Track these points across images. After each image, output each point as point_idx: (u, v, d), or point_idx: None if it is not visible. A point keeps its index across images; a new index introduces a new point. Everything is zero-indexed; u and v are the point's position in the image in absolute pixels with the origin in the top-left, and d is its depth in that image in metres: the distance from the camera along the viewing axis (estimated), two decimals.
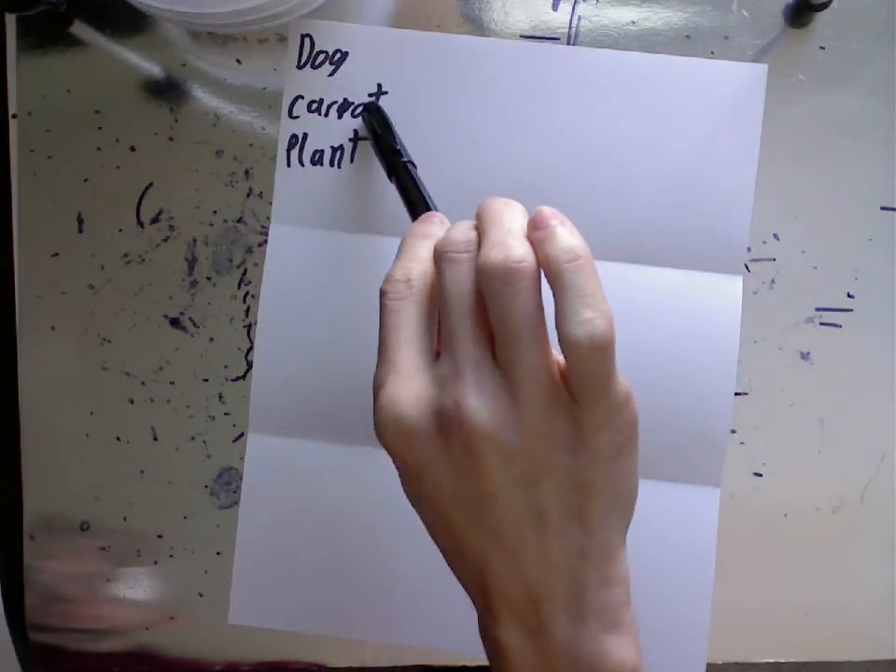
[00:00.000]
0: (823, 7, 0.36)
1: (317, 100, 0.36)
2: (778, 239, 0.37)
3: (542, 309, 0.24)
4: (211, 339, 0.37)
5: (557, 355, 0.24)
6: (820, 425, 0.37)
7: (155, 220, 0.37)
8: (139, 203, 0.37)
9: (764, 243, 0.37)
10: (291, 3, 0.33)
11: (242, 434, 0.37)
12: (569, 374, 0.24)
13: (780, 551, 0.37)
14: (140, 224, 0.37)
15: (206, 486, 0.37)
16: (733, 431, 0.37)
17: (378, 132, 0.34)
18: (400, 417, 0.24)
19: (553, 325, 0.24)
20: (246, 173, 0.37)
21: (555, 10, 0.37)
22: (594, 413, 0.24)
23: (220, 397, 0.37)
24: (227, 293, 0.37)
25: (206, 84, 0.37)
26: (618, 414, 0.24)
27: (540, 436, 0.24)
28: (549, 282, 0.24)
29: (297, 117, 0.36)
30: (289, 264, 0.36)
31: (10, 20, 0.36)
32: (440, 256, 0.25)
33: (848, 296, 0.37)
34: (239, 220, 0.37)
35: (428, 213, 0.30)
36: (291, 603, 0.36)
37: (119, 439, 0.37)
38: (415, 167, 0.33)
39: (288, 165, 0.36)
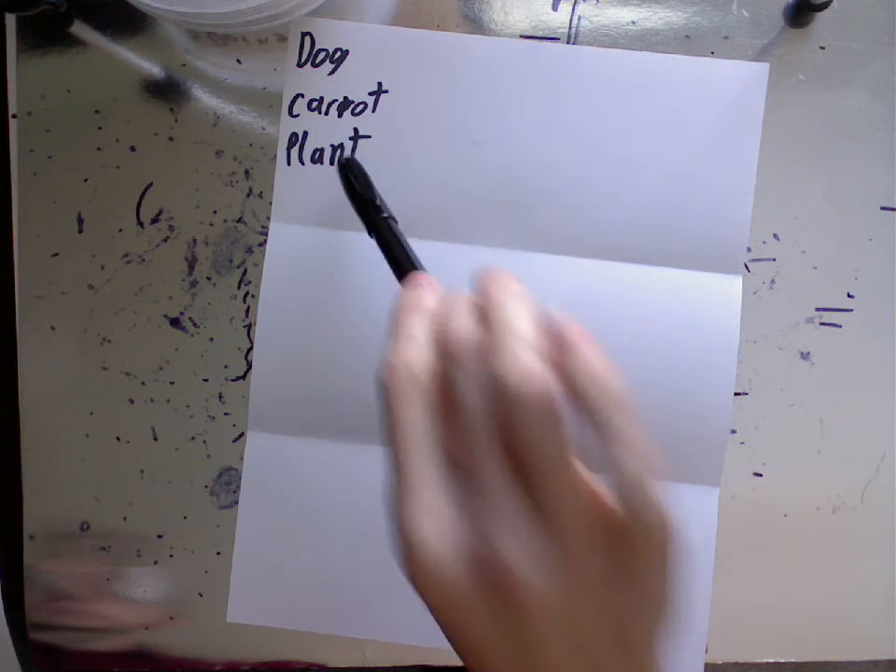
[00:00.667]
0: (823, 6, 0.36)
1: (318, 98, 0.36)
2: (778, 239, 0.37)
3: (566, 426, 0.22)
4: (211, 339, 0.37)
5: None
6: (820, 425, 0.37)
7: (155, 220, 0.37)
8: (139, 203, 0.37)
9: (764, 243, 0.37)
10: (291, 3, 0.33)
11: (242, 434, 0.37)
12: (622, 523, 0.22)
13: (780, 551, 0.37)
14: (140, 224, 0.37)
15: (206, 486, 0.37)
16: (733, 431, 0.37)
17: (356, 188, 0.33)
18: (434, 567, 0.22)
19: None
20: (246, 173, 0.37)
21: (555, 10, 0.37)
22: (647, 559, 0.23)
23: (220, 397, 0.37)
24: (227, 293, 0.37)
25: (206, 84, 0.37)
26: (669, 553, 0.23)
27: (590, 585, 0.22)
28: (581, 414, 0.23)
29: (297, 115, 0.36)
30: (289, 263, 0.36)
31: (10, 20, 0.36)
32: (445, 354, 0.24)
33: (848, 296, 0.37)
34: (239, 220, 0.37)
35: (415, 276, 0.29)
36: (290, 601, 0.36)
37: (118, 439, 0.37)
38: (396, 222, 0.32)
39: (288, 164, 0.36)
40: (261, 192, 0.37)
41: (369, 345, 0.36)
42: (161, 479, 0.37)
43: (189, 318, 0.37)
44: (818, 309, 0.37)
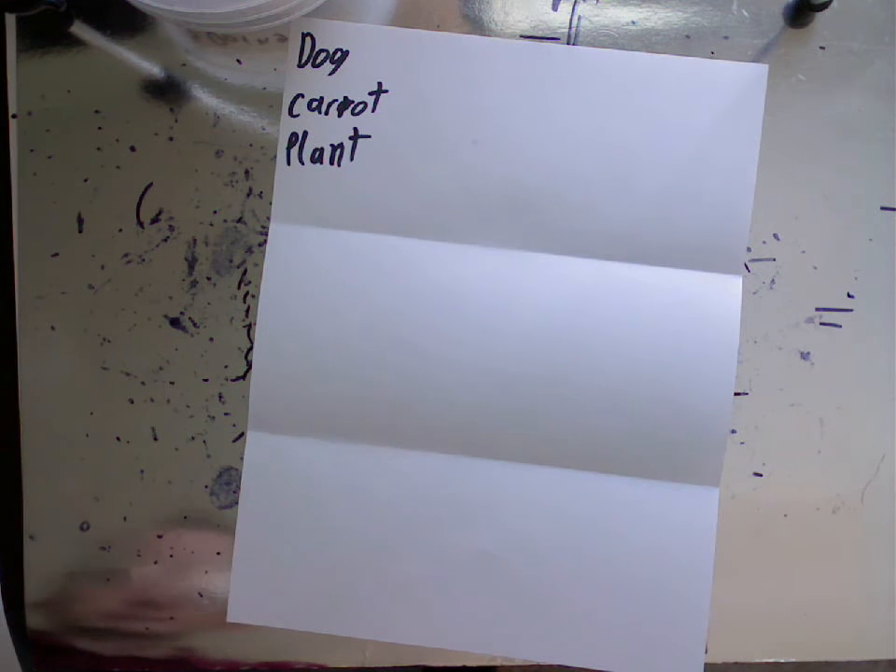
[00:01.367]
0: (823, 6, 0.36)
1: (318, 98, 0.36)
2: (778, 239, 0.37)
3: None
4: (211, 339, 0.37)
5: None
6: (820, 425, 0.37)
7: (155, 220, 0.37)
8: (139, 203, 0.37)
9: (764, 243, 0.37)
10: (291, 3, 0.33)
11: (242, 434, 0.37)
12: None
13: (780, 551, 0.37)
14: (140, 224, 0.37)
15: (206, 486, 0.37)
16: (733, 431, 0.37)
17: None
18: None
19: None
20: (246, 173, 0.37)
21: (555, 10, 0.37)
22: None
23: (220, 397, 0.37)
24: (227, 293, 0.37)
25: (206, 84, 0.37)
26: None
27: None
28: None
29: (297, 115, 0.36)
30: (289, 263, 0.36)
31: (10, 20, 0.36)
32: None
33: (848, 296, 0.37)
34: (239, 220, 0.37)
35: None
36: (290, 601, 0.36)
37: (118, 439, 0.37)
38: None
39: (288, 163, 0.36)
40: (261, 192, 0.37)
41: (369, 345, 0.36)
42: (160, 479, 0.37)
43: (189, 318, 0.37)
44: (818, 309, 0.37)
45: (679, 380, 0.36)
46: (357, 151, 0.36)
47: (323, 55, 0.36)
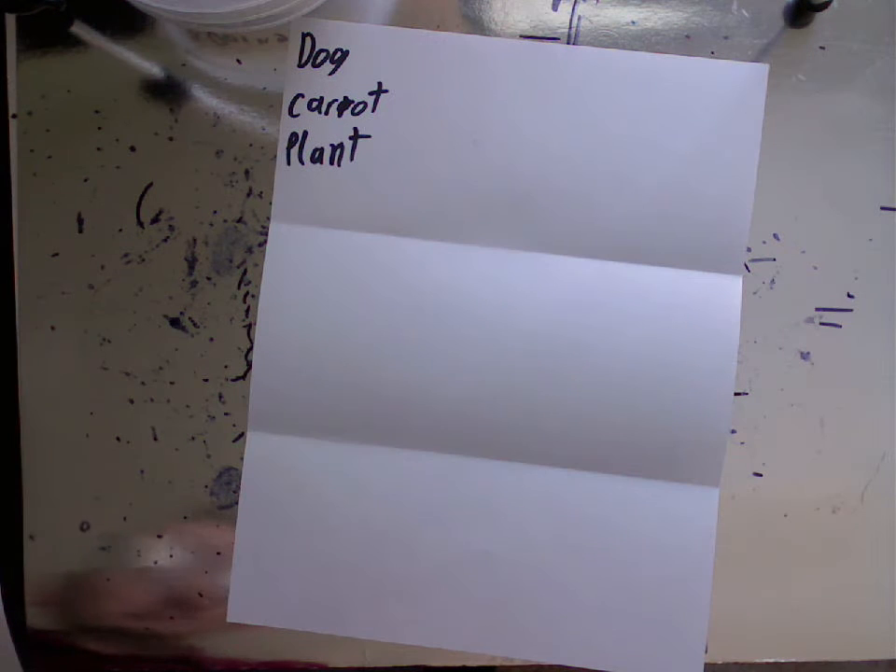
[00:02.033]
0: (823, 7, 0.36)
1: (318, 98, 0.36)
2: (778, 239, 0.37)
3: None
4: (211, 339, 0.37)
5: None
6: (820, 425, 0.37)
7: (155, 220, 0.37)
8: (139, 203, 0.37)
9: (764, 243, 0.37)
10: (291, 3, 0.33)
11: (242, 434, 0.37)
12: None
13: (780, 551, 0.37)
14: (140, 224, 0.37)
15: (206, 486, 0.37)
16: (733, 431, 0.37)
17: None
18: None
19: None
20: (246, 173, 0.37)
21: (555, 10, 0.37)
22: None
23: (220, 397, 0.37)
24: (227, 293, 0.37)
25: (206, 84, 0.37)
26: None
27: None
28: None
29: (297, 115, 0.36)
30: (289, 263, 0.36)
31: (10, 20, 0.36)
32: None
33: (848, 296, 0.37)
34: (239, 220, 0.37)
35: None
36: (290, 601, 0.36)
37: (118, 439, 0.37)
38: None
39: (288, 163, 0.36)
40: (261, 192, 0.37)
41: (369, 345, 0.36)
42: (160, 479, 0.37)
43: (189, 318, 0.37)
44: (818, 309, 0.37)
45: (679, 380, 0.36)
46: (357, 151, 0.36)
47: (323, 55, 0.36)
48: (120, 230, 0.37)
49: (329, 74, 0.36)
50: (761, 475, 0.37)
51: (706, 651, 0.36)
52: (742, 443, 0.37)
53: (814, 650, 0.37)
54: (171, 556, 0.37)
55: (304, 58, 0.36)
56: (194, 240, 0.37)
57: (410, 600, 0.36)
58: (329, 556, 0.36)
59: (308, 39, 0.36)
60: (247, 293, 0.37)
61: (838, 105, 0.37)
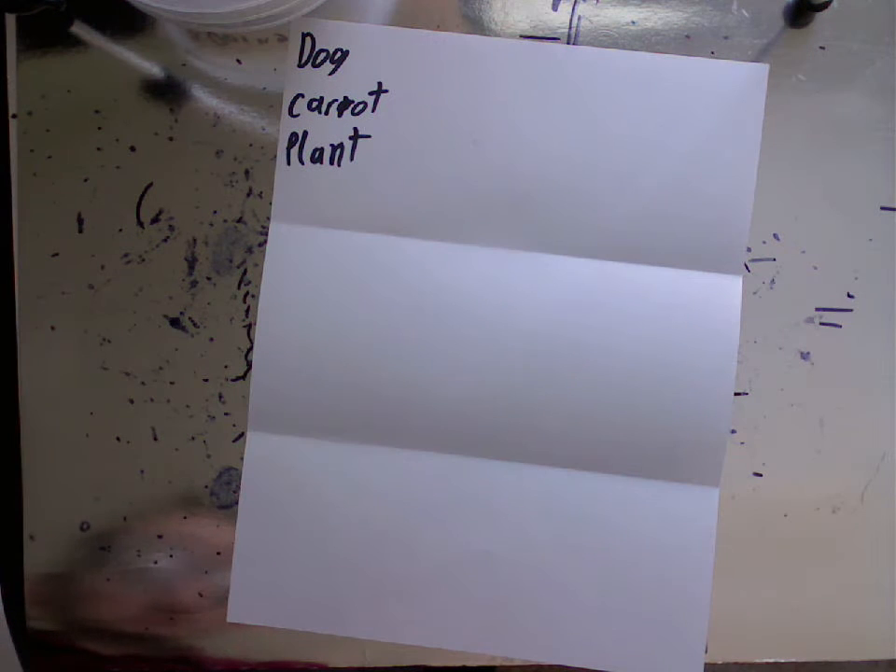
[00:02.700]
0: (823, 7, 0.36)
1: (318, 98, 0.36)
2: (778, 239, 0.37)
3: None
4: (211, 339, 0.37)
5: None
6: (820, 425, 0.37)
7: (155, 220, 0.37)
8: (139, 203, 0.37)
9: (764, 243, 0.37)
10: (291, 3, 0.33)
11: (242, 434, 0.37)
12: None
13: (780, 551, 0.37)
14: (140, 224, 0.37)
15: (206, 486, 0.37)
16: (733, 431, 0.37)
17: None
18: None
19: None
20: (246, 173, 0.37)
21: (555, 10, 0.37)
22: None
23: (220, 397, 0.37)
24: (227, 293, 0.37)
25: (206, 84, 0.37)
26: None
27: None
28: None
29: (297, 115, 0.36)
30: (289, 263, 0.36)
31: (10, 20, 0.36)
32: None
33: (848, 296, 0.37)
34: (239, 220, 0.37)
35: None
36: (290, 601, 0.36)
37: (118, 439, 0.37)
38: None
39: (288, 163, 0.36)
40: (261, 192, 0.37)
41: (369, 345, 0.36)
42: (160, 479, 0.37)
43: (189, 318, 0.37)
44: (818, 309, 0.37)
45: (679, 380, 0.36)
46: (357, 151, 0.36)
47: (323, 55, 0.36)
48: (120, 230, 0.37)
49: (329, 74, 0.36)
50: (761, 475, 0.37)
51: (706, 651, 0.36)
52: (742, 443, 0.37)
53: (814, 650, 0.37)
54: (171, 556, 0.37)
55: (304, 58, 0.36)
56: (194, 240, 0.37)
57: (410, 600, 0.36)
58: (329, 556, 0.36)
59: (308, 39, 0.36)
60: (247, 293, 0.37)
61: (838, 105, 0.37)
